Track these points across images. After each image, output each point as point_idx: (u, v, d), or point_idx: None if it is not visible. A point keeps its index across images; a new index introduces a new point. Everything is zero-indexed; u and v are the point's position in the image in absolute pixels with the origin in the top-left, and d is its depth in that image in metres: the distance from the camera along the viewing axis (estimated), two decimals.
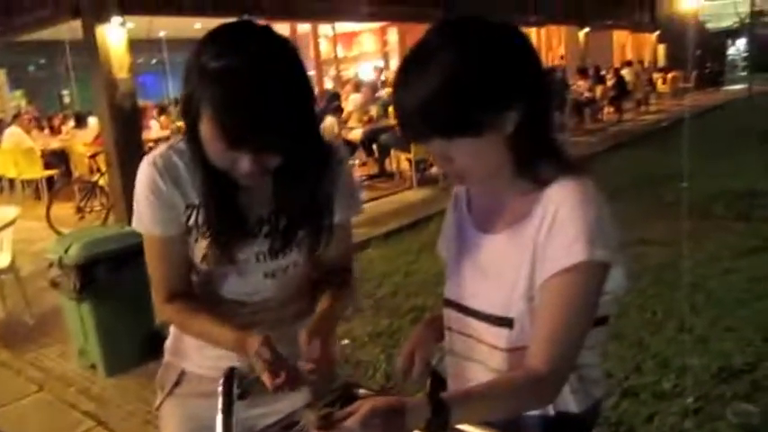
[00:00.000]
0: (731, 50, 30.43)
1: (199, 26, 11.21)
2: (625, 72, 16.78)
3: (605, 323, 1.15)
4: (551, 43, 20.99)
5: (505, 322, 1.12)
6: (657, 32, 24.71)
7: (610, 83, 15.64)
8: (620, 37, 23.99)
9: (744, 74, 27.10)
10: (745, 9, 25.21)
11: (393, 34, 19.00)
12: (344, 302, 1.42)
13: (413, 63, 1.08)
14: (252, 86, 1.09)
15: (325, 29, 18.10)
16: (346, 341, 4.02)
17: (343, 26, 17.77)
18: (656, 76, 19.99)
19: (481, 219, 1.24)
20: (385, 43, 19.93)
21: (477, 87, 1.03)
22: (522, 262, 1.10)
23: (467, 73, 1.03)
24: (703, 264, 4.91)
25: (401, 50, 17.31)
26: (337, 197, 1.37)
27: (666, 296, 4.36)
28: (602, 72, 16.17)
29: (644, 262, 5.12)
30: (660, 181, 8.05)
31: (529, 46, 1.11)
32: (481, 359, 1.18)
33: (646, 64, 21.34)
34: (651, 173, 8.60)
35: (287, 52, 1.18)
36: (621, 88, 15.90)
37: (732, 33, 29.85)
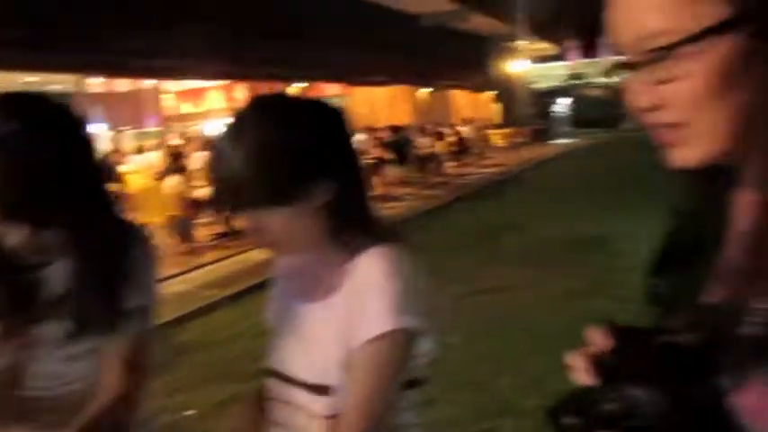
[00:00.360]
0: (556, 108, 33.52)
1: (30, 79, 10.57)
2: (465, 129, 17.87)
3: (419, 385, 1.19)
4: (396, 101, 21.96)
5: (323, 390, 1.12)
6: (493, 92, 26.70)
7: (451, 139, 16.56)
8: (460, 96, 25.63)
9: (568, 129, 29.88)
10: (564, 72, 27.97)
11: (241, 91, 18.97)
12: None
13: (226, 137, 1.11)
14: (19, 156, 1.05)
15: (169, 85, 17.71)
16: (190, 412, 3.82)
17: (190, 82, 17.49)
18: (493, 132, 21.46)
19: (301, 288, 1.25)
20: (233, 100, 19.82)
21: (284, 161, 1.07)
22: (337, 332, 1.12)
23: (275, 147, 1.07)
24: (537, 307, 5.24)
25: None
26: (133, 281, 1.29)
27: (509, 340, 4.59)
28: (444, 129, 17.10)
29: (488, 309, 5.38)
30: (500, 231, 8.55)
31: (339, 122, 1.17)
32: (302, 427, 1.17)
33: (484, 121, 22.86)
34: (491, 224, 9.12)
35: (63, 121, 1.15)
36: (462, 144, 16.89)
37: (556, 93, 32.96)
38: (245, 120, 1.11)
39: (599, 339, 0.72)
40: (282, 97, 1.19)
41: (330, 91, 18.89)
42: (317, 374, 1.14)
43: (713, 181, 0.76)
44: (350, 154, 1.17)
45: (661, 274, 0.83)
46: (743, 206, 0.74)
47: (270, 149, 1.06)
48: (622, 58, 0.69)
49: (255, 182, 1.05)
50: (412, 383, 1.15)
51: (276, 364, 1.23)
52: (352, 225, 1.15)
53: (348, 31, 15.28)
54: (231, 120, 1.12)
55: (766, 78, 0.62)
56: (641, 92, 0.68)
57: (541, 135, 27.31)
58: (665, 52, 0.64)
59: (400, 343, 1.07)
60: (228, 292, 6.36)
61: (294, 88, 13.56)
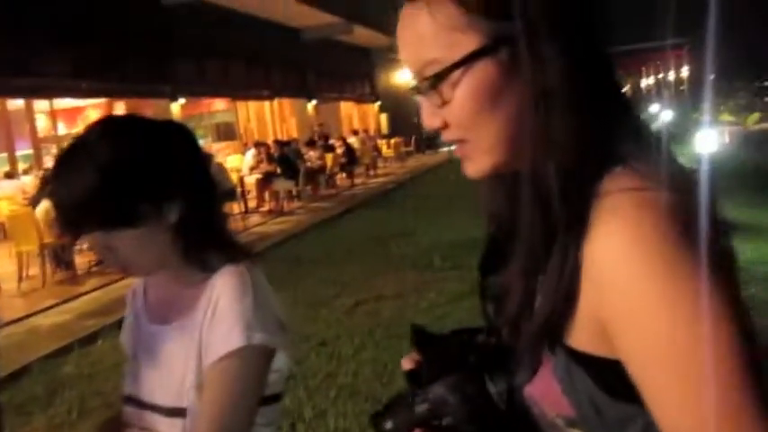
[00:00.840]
0: None
1: None
2: (353, 140, 18.03)
3: (278, 400, 1.21)
4: (284, 115, 21.83)
5: (179, 413, 1.12)
6: (378, 103, 27.09)
7: (339, 151, 16.66)
8: (347, 108, 25.84)
9: None
10: None
11: (121, 109, 18.20)
12: None
13: (67, 158, 1.09)
14: None
15: (42, 104, 16.69)
16: None
17: (65, 101, 16.58)
18: (381, 142, 21.77)
19: (155, 310, 1.24)
20: None
21: (131, 181, 1.07)
22: (190, 353, 1.12)
23: (120, 167, 1.06)
24: (425, 311, 5.38)
25: None
26: None
27: (396, 347, 4.68)
28: (333, 141, 17.18)
29: (378, 317, 5.46)
30: (389, 239, 8.70)
31: (187, 141, 1.17)
32: None
33: (371, 132, 23.16)
34: (381, 233, 9.26)
35: None
36: (351, 155, 17.02)
37: None
38: (89, 140, 1.09)
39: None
40: (129, 118, 1.17)
41: (216, 106, 18.54)
42: (172, 398, 1.13)
43: (511, 186, 0.83)
44: (199, 173, 1.17)
45: (487, 274, 0.90)
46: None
47: (114, 170, 1.05)
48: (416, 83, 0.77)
49: (101, 203, 1.04)
50: (270, 399, 1.16)
51: (132, 390, 1.22)
52: (205, 244, 1.16)
53: (229, 46, 15.06)
54: (74, 140, 1.10)
55: (524, 95, 0.70)
56: (429, 114, 0.76)
57: (429, 143, 27.99)
58: (437, 79, 0.72)
59: (251, 360, 1.08)
60: (110, 320, 6.08)
61: (176, 104, 13.17)
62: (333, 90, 22.46)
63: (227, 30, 14.86)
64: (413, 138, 24.80)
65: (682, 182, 0.68)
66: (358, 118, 26.82)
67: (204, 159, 1.21)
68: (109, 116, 1.18)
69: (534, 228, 0.73)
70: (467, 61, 0.70)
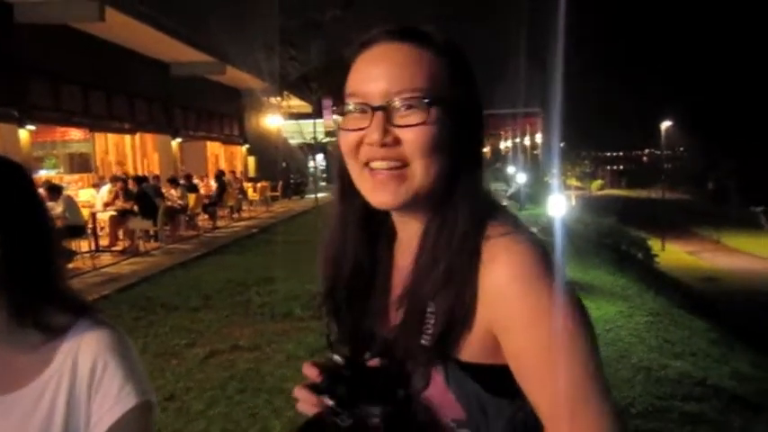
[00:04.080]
0: (311, 163, 34.53)
1: None
2: (218, 181, 17.55)
3: None
4: (146, 150, 20.93)
5: None
6: (247, 146, 26.74)
7: (203, 191, 16.16)
8: (214, 147, 25.24)
9: (322, 184, 30.98)
10: (320, 129, 29.06)
11: None
12: None
13: None
14: None
15: None
16: None
17: None
18: (247, 185, 21.39)
19: None
20: None
21: None
22: (50, 424, 1.00)
23: None
24: (284, 364, 5.22)
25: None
26: None
27: (250, 402, 4.48)
28: (196, 181, 16.63)
29: (232, 369, 5.23)
30: (250, 286, 8.46)
31: (17, 179, 1.03)
32: None
33: (238, 174, 22.73)
34: (241, 278, 8.99)
35: None
36: (218, 195, 16.56)
37: (312, 148, 34.00)
38: None
39: (313, 374, 0.90)
40: None
41: (71, 135, 17.40)
42: None
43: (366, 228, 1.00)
44: (26, 217, 1.02)
45: (332, 316, 1.03)
46: (404, 250, 0.98)
47: None
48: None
49: None
50: None
51: None
52: (38, 300, 1.01)
53: (88, 73, 14.28)
54: None
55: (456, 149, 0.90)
56: (382, 129, 0.87)
57: (296, 189, 27.92)
58: (428, 104, 0.87)
59: (147, 416, 1.04)
60: None
61: (25, 130, 12.20)
62: (200, 128, 21.87)
63: (87, 56, 14.11)
64: (279, 183, 24.63)
65: (533, 233, 0.89)
66: (225, 159, 26.26)
67: (33, 197, 1.06)
68: None
69: (431, 260, 0.89)
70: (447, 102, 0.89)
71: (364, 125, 0.88)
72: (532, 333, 0.82)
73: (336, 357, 0.90)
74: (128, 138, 19.40)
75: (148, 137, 20.04)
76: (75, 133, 17.24)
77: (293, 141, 31.47)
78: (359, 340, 0.99)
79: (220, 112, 23.78)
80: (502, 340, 0.85)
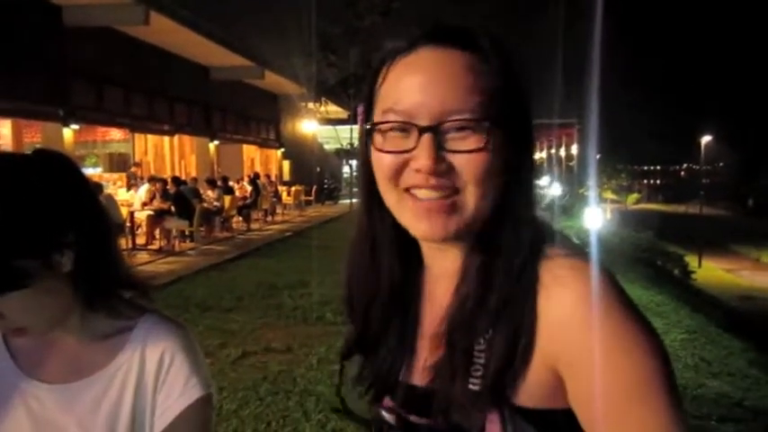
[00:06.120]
0: (346, 169, 34.66)
1: None
2: (253, 184, 17.73)
3: None
4: (184, 151, 21.27)
5: None
6: (282, 150, 26.99)
7: (239, 193, 16.34)
8: (250, 151, 25.54)
9: (356, 189, 31.05)
10: (357, 135, 29.15)
11: (7, 128, 17.10)
12: None
13: None
14: None
15: None
16: None
17: None
18: (281, 188, 21.58)
19: (33, 365, 1.08)
20: None
21: (7, 242, 0.92)
22: (118, 411, 1.03)
23: None
24: (315, 367, 5.25)
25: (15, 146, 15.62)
26: None
27: (282, 404, 4.51)
28: (232, 183, 16.84)
29: (265, 370, 5.27)
30: (282, 289, 8.52)
31: (72, 175, 1.04)
32: None
33: (273, 177, 22.95)
34: (274, 281, 9.06)
35: None
36: (250, 199, 16.74)
37: (347, 154, 34.17)
38: None
39: None
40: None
41: (112, 135, 17.78)
42: None
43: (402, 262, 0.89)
44: (89, 210, 1.04)
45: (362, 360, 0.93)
46: (436, 278, 0.87)
47: None
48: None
49: None
50: None
51: None
52: (109, 289, 1.06)
53: (130, 75, 14.59)
54: None
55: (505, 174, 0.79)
56: (434, 156, 0.76)
57: (329, 194, 28.07)
58: (490, 126, 0.76)
59: (208, 408, 1.07)
60: None
61: (69, 130, 12.51)
62: (237, 132, 22.17)
63: (130, 58, 14.42)
64: (313, 187, 24.80)
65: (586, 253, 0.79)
66: (260, 162, 26.55)
67: (92, 191, 1.07)
68: None
69: (481, 291, 0.78)
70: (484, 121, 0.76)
71: (408, 147, 0.77)
72: (606, 370, 0.69)
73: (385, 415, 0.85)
74: (166, 139, 19.73)
75: (186, 139, 20.37)
76: (116, 133, 17.61)
77: (328, 147, 31.64)
78: (380, 380, 0.89)
79: (257, 116, 24.07)
80: (566, 378, 0.73)
